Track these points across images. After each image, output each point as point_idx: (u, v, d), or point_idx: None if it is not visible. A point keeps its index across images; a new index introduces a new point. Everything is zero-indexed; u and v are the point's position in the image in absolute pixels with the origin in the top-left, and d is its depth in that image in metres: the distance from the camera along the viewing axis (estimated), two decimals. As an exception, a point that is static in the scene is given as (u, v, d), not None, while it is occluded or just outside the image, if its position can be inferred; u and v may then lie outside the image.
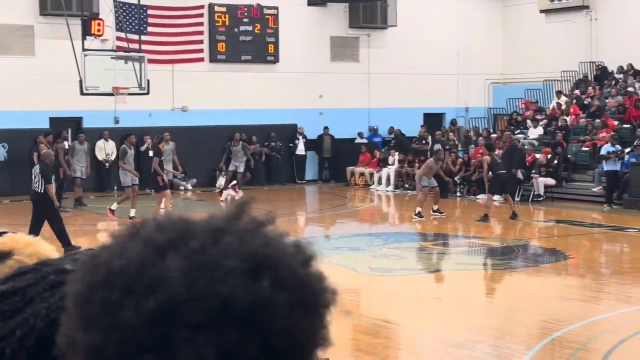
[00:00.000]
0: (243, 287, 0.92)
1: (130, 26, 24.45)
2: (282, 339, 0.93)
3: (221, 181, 26.81)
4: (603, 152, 23.10)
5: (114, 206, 19.90)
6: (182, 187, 27.06)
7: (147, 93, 22.77)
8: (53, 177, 15.68)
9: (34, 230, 14.36)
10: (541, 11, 31.32)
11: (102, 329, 0.93)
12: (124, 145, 20.90)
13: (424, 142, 28.72)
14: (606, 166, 22.82)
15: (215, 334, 0.91)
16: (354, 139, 30.16)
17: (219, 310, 0.92)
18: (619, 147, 23.10)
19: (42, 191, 14.93)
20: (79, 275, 0.98)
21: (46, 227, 14.76)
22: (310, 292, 0.97)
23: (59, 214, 15.32)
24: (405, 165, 27.46)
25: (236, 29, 28.66)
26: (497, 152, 24.63)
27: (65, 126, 25.35)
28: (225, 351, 0.91)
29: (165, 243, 0.95)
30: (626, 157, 23.05)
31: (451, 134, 28.49)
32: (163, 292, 0.91)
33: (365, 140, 30.09)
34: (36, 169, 15.31)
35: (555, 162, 24.22)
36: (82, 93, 22.05)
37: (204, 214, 1.03)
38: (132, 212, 19.35)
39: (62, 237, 14.70)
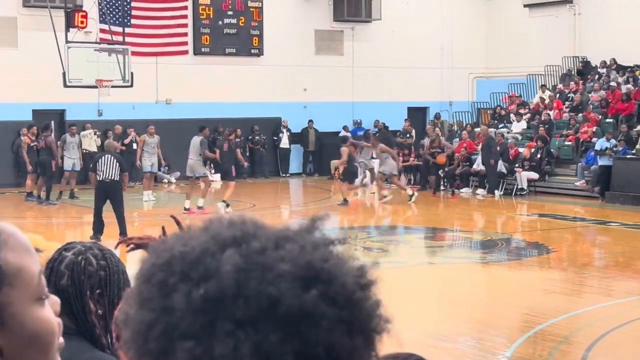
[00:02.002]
0: (291, 293, 0.94)
1: (114, 18, 24.33)
2: (320, 351, 0.94)
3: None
4: (597, 147, 23.15)
5: (201, 202, 19.44)
6: (165, 180, 27.02)
7: (131, 85, 22.65)
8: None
9: (122, 216, 15.19)
10: (525, 5, 31.40)
11: (154, 308, 0.96)
12: (201, 137, 20.63)
13: (407, 136, 28.76)
14: (600, 161, 22.87)
15: (256, 332, 0.93)
16: (338, 132, 30.14)
17: (263, 310, 0.93)
18: (614, 141, 23.12)
19: (117, 179, 15.28)
20: (147, 256, 1.02)
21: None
22: (361, 313, 0.98)
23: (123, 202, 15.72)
24: (389, 158, 27.45)
25: (220, 22, 28.60)
26: (479, 146, 24.70)
27: (48, 118, 25.22)
28: (261, 351, 0.93)
29: (229, 239, 0.98)
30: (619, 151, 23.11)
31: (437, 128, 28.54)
32: (213, 283, 0.94)
33: (349, 134, 30.09)
34: (110, 159, 15.39)
35: (539, 156, 24.32)
36: (65, 85, 21.90)
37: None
38: (188, 204, 19.23)
39: (123, 223, 15.20)
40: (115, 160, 15.33)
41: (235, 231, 0.99)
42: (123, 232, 14.92)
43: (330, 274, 0.97)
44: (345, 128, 30.34)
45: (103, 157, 15.52)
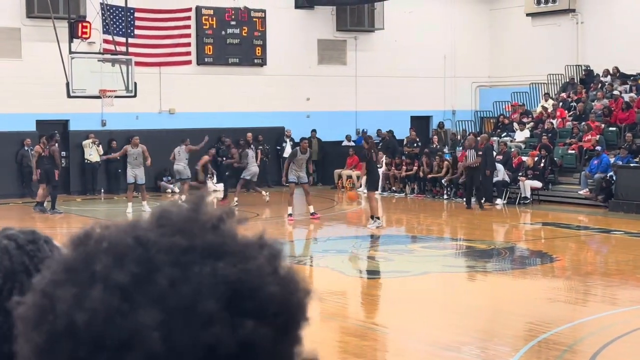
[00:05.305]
0: (225, 332, 0.83)
1: (118, 29, 24.41)
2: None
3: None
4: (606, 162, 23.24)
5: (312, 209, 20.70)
6: (169, 190, 27.04)
7: (135, 96, 22.73)
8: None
9: None
10: (527, 14, 31.43)
11: None
12: (296, 148, 21.29)
13: (415, 145, 28.79)
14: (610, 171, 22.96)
15: None
16: (342, 141, 30.19)
17: None
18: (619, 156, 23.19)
19: None
20: (33, 317, 0.86)
21: None
22: (292, 311, 0.89)
23: None
24: (393, 168, 27.50)
25: (223, 32, 28.66)
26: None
27: (52, 129, 25.28)
28: None
29: (129, 283, 0.83)
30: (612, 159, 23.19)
31: (435, 137, 28.56)
32: (139, 349, 0.81)
33: (352, 143, 30.12)
34: None
35: (542, 164, 24.31)
36: (69, 96, 21.99)
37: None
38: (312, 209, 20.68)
39: None
40: None
41: (127, 267, 0.84)
42: None
43: (250, 285, 0.86)
44: (347, 137, 30.35)
45: None
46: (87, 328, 0.82)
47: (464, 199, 23.56)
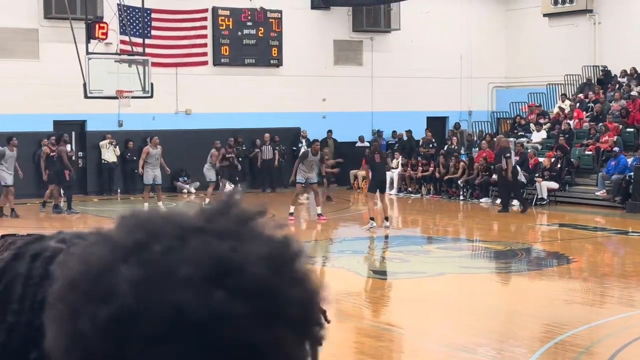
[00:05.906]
0: (195, 297, 0.87)
1: (134, 30, 24.50)
2: (243, 354, 0.88)
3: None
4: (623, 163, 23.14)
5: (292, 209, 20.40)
6: (185, 190, 27.11)
7: (151, 96, 22.81)
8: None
9: None
10: (544, 15, 31.32)
11: (67, 332, 0.90)
12: (307, 149, 21.22)
13: (430, 146, 28.74)
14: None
15: (169, 347, 0.87)
16: (357, 142, 30.17)
17: (170, 322, 0.87)
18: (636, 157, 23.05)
19: None
20: (59, 272, 0.95)
21: None
22: (279, 300, 0.89)
23: None
24: (409, 168, 27.47)
25: (240, 33, 28.72)
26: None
27: (69, 129, 25.40)
28: None
29: (130, 246, 0.91)
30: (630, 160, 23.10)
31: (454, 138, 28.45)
32: (114, 303, 0.88)
33: (366, 144, 30.07)
34: None
35: (559, 165, 24.21)
36: (86, 96, 22.09)
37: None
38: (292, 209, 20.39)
39: None
40: None
41: (138, 234, 0.91)
42: None
43: (237, 265, 0.89)
44: (360, 138, 30.30)
45: None
46: (82, 278, 0.90)
47: (520, 204, 22.76)
